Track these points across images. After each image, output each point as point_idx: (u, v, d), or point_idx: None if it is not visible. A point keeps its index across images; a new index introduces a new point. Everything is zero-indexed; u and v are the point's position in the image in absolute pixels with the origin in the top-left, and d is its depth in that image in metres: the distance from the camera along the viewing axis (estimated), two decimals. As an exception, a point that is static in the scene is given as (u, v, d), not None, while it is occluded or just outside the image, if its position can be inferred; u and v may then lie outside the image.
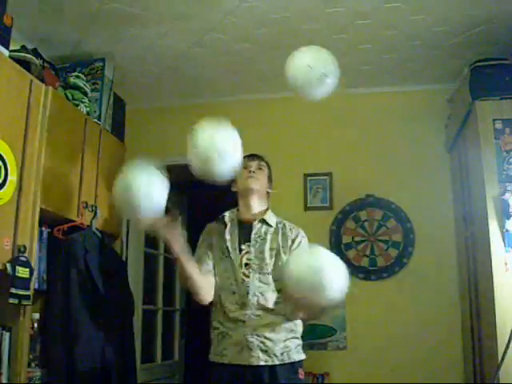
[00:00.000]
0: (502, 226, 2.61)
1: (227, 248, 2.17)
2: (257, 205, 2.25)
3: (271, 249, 2.17)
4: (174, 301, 4.26)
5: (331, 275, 1.78)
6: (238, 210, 2.30)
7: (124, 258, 3.47)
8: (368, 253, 3.49)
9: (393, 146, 3.60)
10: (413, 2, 2.68)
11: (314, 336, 3.36)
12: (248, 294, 2.07)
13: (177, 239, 1.98)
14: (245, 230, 2.21)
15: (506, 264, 2.57)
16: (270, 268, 2.12)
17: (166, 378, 3.96)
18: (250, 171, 2.25)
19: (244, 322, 2.06)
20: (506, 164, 2.67)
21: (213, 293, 2.13)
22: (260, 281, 2.10)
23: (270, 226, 2.23)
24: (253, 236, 2.19)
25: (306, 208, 3.61)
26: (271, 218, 2.26)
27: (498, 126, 2.72)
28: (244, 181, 2.25)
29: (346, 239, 3.53)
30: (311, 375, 3.25)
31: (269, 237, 2.19)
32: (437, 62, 3.31)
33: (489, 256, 2.61)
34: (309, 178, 3.65)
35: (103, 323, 2.60)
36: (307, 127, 3.73)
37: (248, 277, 2.09)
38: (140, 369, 3.35)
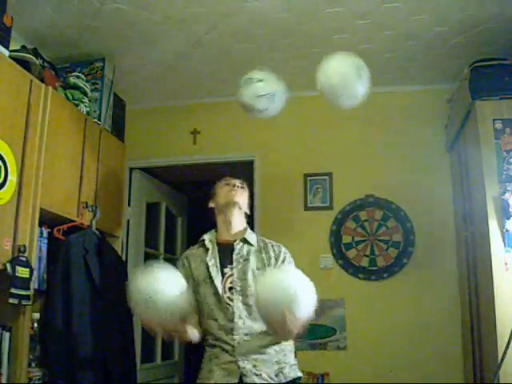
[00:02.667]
0: (502, 226, 2.61)
1: (209, 274, 2.08)
2: (237, 222, 2.19)
3: (254, 269, 2.09)
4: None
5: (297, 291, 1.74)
6: (216, 231, 2.24)
7: (124, 258, 3.47)
8: (368, 253, 3.49)
9: (393, 145, 3.60)
10: (412, 1, 2.68)
11: (314, 336, 3.36)
12: (234, 318, 2.01)
13: (189, 334, 1.99)
14: (226, 251, 2.14)
15: (506, 264, 2.57)
16: (253, 289, 2.02)
17: (165, 377, 3.96)
18: (233, 185, 2.22)
19: (233, 346, 1.99)
20: (506, 164, 2.67)
21: (199, 330, 2.06)
22: (244, 303, 2.03)
23: (252, 245, 2.15)
24: (234, 257, 2.11)
25: (306, 208, 3.61)
26: (252, 236, 2.20)
27: (498, 126, 2.72)
28: (227, 194, 2.20)
29: (345, 239, 3.53)
30: (311, 375, 3.25)
31: (251, 257, 2.12)
32: (437, 62, 3.31)
33: (489, 256, 2.61)
34: (309, 178, 3.65)
35: (103, 323, 2.60)
36: (307, 127, 3.74)
37: (232, 300, 2.03)
38: (140, 369, 3.35)
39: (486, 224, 2.66)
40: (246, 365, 1.97)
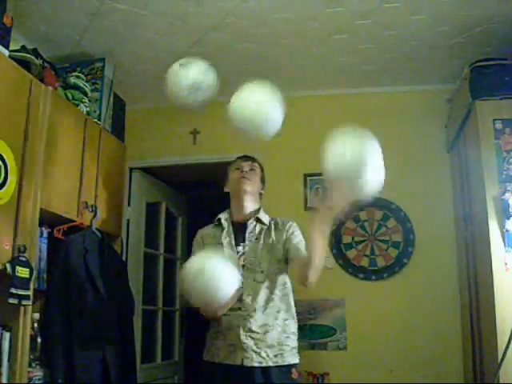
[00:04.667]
0: (502, 226, 2.61)
1: (223, 248, 2.16)
2: (250, 205, 2.27)
3: (266, 246, 2.17)
4: (174, 301, 4.26)
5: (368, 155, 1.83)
6: (229, 210, 2.30)
7: (124, 258, 3.47)
8: (368, 253, 3.49)
9: (393, 145, 3.59)
10: (413, 1, 2.68)
11: (314, 336, 3.36)
12: (242, 295, 2.07)
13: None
14: (239, 230, 2.22)
15: (505, 264, 2.57)
16: (263, 266, 2.13)
17: (165, 377, 3.96)
18: (242, 171, 2.27)
19: (238, 323, 2.06)
20: (506, 164, 2.67)
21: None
22: (254, 280, 2.10)
23: (264, 224, 2.24)
24: (247, 235, 2.20)
25: (306, 208, 3.61)
26: (264, 216, 2.28)
27: (498, 126, 2.72)
28: (236, 182, 2.26)
29: (345, 239, 3.53)
30: (311, 375, 3.25)
31: (263, 235, 2.21)
32: (437, 61, 3.31)
33: (489, 256, 2.61)
34: (309, 178, 3.65)
35: (103, 323, 2.60)
36: (307, 127, 3.73)
37: (243, 277, 2.05)
38: (140, 369, 3.35)
39: (486, 224, 2.65)
40: (248, 341, 2.03)
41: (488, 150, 2.70)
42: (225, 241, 2.18)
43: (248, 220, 2.22)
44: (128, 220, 3.71)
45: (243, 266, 2.12)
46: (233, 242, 2.19)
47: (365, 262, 3.47)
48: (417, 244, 3.43)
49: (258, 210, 2.27)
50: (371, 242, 3.50)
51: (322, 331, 3.38)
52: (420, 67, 3.40)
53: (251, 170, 2.30)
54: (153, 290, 3.97)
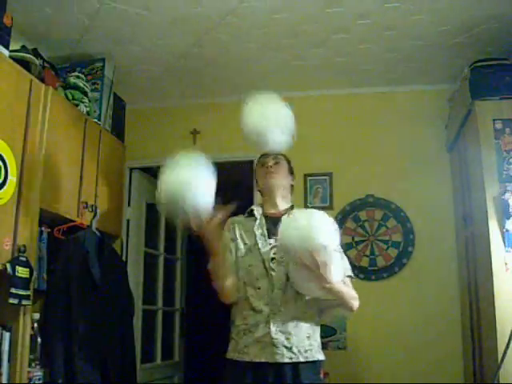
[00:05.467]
0: (502, 226, 2.60)
1: (257, 243, 2.11)
2: (281, 202, 2.20)
3: None
4: (174, 301, 4.26)
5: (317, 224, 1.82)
6: (262, 205, 2.26)
7: (124, 258, 3.47)
8: (368, 253, 3.49)
9: (393, 145, 3.60)
10: (413, 1, 2.68)
11: (314, 336, 3.36)
12: (273, 288, 2.02)
13: (219, 238, 1.97)
14: (272, 223, 2.14)
15: (505, 264, 2.57)
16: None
17: (165, 377, 3.96)
18: (267, 167, 2.22)
19: (268, 317, 2.00)
20: (506, 164, 2.67)
21: (235, 293, 2.07)
22: (285, 273, 2.03)
23: None
24: (280, 229, 2.10)
25: (306, 208, 3.60)
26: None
27: (498, 126, 2.72)
28: (263, 178, 2.22)
29: (345, 239, 3.52)
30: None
31: None
32: (437, 62, 3.31)
33: (489, 256, 2.61)
34: (309, 178, 3.65)
35: (103, 323, 2.60)
36: (307, 127, 3.73)
37: (274, 270, 2.04)
38: (140, 369, 3.35)
39: (486, 224, 2.65)
40: (279, 336, 1.97)
41: (488, 150, 2.70)
42: (257, 232, 2.13)
43: (282, 214, 2.14)
44: (128, 220, 3.71)
45: (273, 258, 2.06)
46: (265, 232, 2.13)
47: (365, 262, 3.47)
48: (417, 244, 3.43)
49: (290, 208, 2.21)
50: (371, 241, 3.50)
51: (322, 331, 3.37)
52: (420, 67, 3.40)
53: (276, 163, 2.24)
54: (153, 290, 3.97)
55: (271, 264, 2.05)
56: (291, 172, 2.31)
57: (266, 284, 2.03)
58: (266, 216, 2.19)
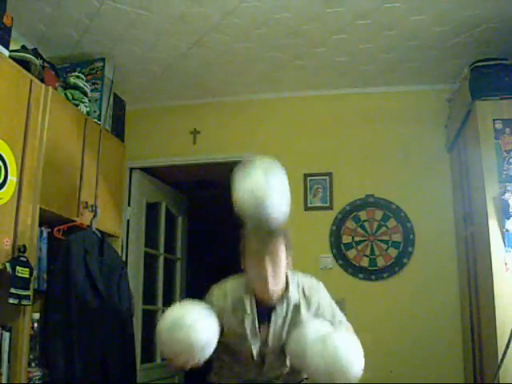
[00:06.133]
0: (502, 226, 2.60)
1: (245, 334, 1.96)
2: (276, 288, 1.92)
3: (291, 324, 1.96)
4: (174, 301, 4.26)
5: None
6: (250, 286, 1.98)
7: (124, 258, 3.47)
8: (368, 253, 3.48)
9: (393, 145, 3.60)
10: (412, 1, 2.68)
11: (314, 336, 3.35)
12: (264, 368, 2.01)
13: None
14: (263, 312, 1.96)
15: (505, 264, 2.57)
16: (288, 346, 1.95)
17: (165, 377, 3.96)
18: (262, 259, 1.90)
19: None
20: (506, 164, 2.67)
21: None
22: (274, 353, 1.99)
23: (294, 304, 1.99)
24: (273, 318, 1.96)
25: (306, 208, 3.61)
26: (293, 293, 1.97)
27: (498, 126, 2.72)
28: (256, 272, 1.91)
29: (345, 239, 3.53)
30: (311, 375, 3.24)
31: (290, 315, 1.97)
32: (437, 61, 3.31)
33: (489, 256, 2.61)
34: (309, 178, 3.65)
35: (103, 323, 2.60)
36: (307, 127, 3.74)
37: (265, 356, 1.99)
38: (140, 369, 3.36)
39: (486, 224, 2.65)
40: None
41: (488, 150, 2.70)
42: (248, 327, 1.95)
43: (277, 300, 1.94)
44: (128, 220, 3.72)
45: (264, 344, 1.97)
46: (257, 328, 1.95)
47: (365, 262, 3.47)
48: (417, 244, 3.43)
49: (284, 288, 1.95)
50: (371, 242, 3.50)
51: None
52: (420, 67, 3.40)
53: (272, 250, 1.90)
54: (153, 290, 3.97)
55: (261, 348, 1.98)
56: (288, 247, 1.96)
57: (253, 365, 2.01)
58: (257, 301, 1.96)
